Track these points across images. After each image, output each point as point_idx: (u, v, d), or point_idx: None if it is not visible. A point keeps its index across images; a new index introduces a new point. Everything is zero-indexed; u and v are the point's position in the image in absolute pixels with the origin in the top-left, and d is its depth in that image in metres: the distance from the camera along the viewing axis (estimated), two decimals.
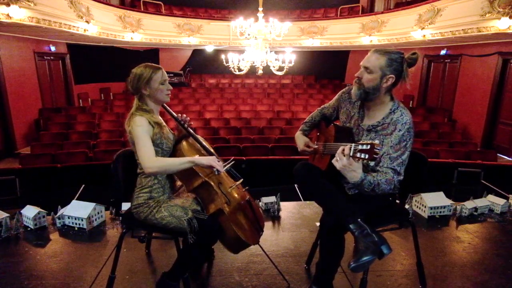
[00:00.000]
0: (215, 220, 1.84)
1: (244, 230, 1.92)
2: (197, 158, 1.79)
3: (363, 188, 1.63)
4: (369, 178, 1.61)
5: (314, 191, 1.85)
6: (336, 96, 2.08)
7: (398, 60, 1.70)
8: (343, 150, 1.54)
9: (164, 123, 1.96)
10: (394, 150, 1.71)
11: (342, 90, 2.05)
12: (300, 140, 2.16)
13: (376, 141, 1.47)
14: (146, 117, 1.82)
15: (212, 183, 1.87)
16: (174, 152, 1.94)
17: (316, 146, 2.09)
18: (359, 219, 1.67)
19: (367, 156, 1.46)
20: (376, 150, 1.44)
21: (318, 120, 2.22)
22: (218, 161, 1.81)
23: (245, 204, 2.03)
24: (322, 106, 2.22)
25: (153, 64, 1.90)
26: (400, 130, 1.72)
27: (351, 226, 1.66)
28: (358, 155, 1.48)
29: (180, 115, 2.04)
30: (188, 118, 2.08)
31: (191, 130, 2.02)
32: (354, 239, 1.68)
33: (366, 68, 1.74)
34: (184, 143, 1.95)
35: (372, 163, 1.50)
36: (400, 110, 1.76)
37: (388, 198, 1.96)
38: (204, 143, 2.04)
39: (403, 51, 1.75)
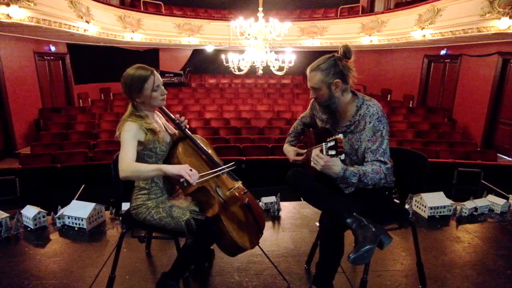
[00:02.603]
0: (213, 222, 1.82)
1: (241, 235, 1.90)
2: (165, 167, 1.71)
3: (351, 181, 1.66)
4: (351, 169, 1.66)
5: (308, 195, 1.89)
6: (310, 105, 2.15)
7: (332, 63, 1.77)
8: (317, 152, 1.60)
9: (160, 127, 1.92)
10: (372, 143, 1.76)
11: (312, 100, 2.09)
12: (289, 151, 2.18)
13: (340, 136, 1.54)
14: (138, 123, 1.78)
15: (209, 188, 1.85)
16: (170, 155, 1.90)
17: (304, 153, 2.10)
18: (354, 213, 1.69)
19: (334, 152, 1.52)
20: (340, 144, 1.51)
21: (301, 128, 2.27)
22: (191, 170, 1.69)
23: (243, 208, 2.00)
24: (301, 115, 2.27)
25: (144, 69, 1.81)
26: (370, 122, 1.78)
27: (348, 220, 1.68)
28: (329, 152, 1.54)
29: (178, 115, 2.02)
30: (186, 120, 2.05)
31: (188, 132, 1.98)
32: (353, 233, 1.69)
33: (312, 88, 1.84)
34: (180, 147, 1.90)
35: (342, 157, 1.58)
36: (366, 104, 1.82)
37: (384, 192, 1.96)
38: (202, 144, 2.01)
39: (333, 53, 1.81)
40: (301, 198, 3.18)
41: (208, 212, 1.86)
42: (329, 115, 1.94)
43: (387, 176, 1.75)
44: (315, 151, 1.61)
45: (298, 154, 2.12)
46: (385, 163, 1.75)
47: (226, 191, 1.95)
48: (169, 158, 1.90)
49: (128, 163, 1.70)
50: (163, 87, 1.87)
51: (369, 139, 1.77)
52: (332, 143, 1.53)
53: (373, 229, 1.64)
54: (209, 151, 2.04)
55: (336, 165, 1.61)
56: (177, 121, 1.99)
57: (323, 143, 1.58)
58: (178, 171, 1.68)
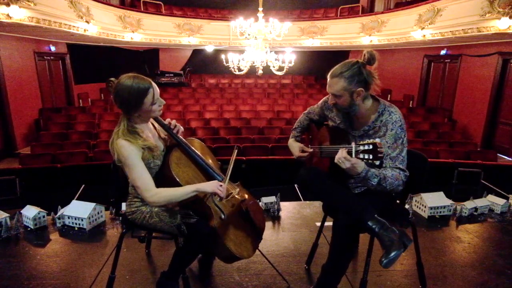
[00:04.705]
0: (204, 224, 1.78)
1: (239, 245, 1.85)
2: (201, 186, 1.72)
3: (371, 182, 1.63)
4: (373, 170, 1.63)
5: (324, 193, 1.86)
6: (320, 104, 2.11)
7: (356, 71, 1.71)
8: (345, 154, 1.53)
9: (154, 135, 1.85)
10: (392, 150, 1.73)
11: (324, 100, 2.06)
12: (294, 147, 2.14)
13: (377, 140, 1.47)
14: (135, 143, 1.68)
15: (205, 199, 1.81)
16: (163, 165, 1.81)
17: (311, 150, 2.08)
18: (375, 215, 1.68)
19: (371, 157, 1.45)
20: (380, 149, 1.43)
21: (307, 124, 2.24)
22: (221, 185, 1.73)
23: (241, 216, 1.95)
24: (307, 110, 2.23)
25: (142, 80, 1.68)
26: (392, 129, 1.75)
27: (369, 223, 1.66)
28: (361, 156, 1.47)
29: (169, 120, 1.91)
30: (181, 128, 1.94)
31: (181, 139, 1.90)
32: (375, 236, 1.68)
33: (333, 94, 1.78)
34: (173, 156, 1.81)
35: (377, 163, 1.51)
36: (388, 110, 1.79)
37: (392, 194, 1.96)
38: (198, 150, 1.94)
39: (356, 60, 1.74)
40: (299, 192, 3.18)
41: None
42: (346, 119, 1.91)
43: (403, 182, 1.73)
44: (343, 153, 1.54)
45: (303, 151, 2.09)
46: (404, 171, 1.73)
47: (223, 199, 1.89)
48: (161, 167, 1.82)
49: (155, 193, 1.67)
50: (160, 98, 1.78)
51: (390, 146, 1.73)
52: (368, 147, 1.45)
53: (397, 232, 1.64)
54: (206, 157, 1.98)
55: (360, 166, 1.57)
56: (170, 129, 1.90)
57: (353, 145, 1.51)
58: (213, 189, 1.71)
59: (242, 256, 1.84)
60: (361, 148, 1.48)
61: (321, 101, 2.10)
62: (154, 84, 1.74)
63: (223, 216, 1.83)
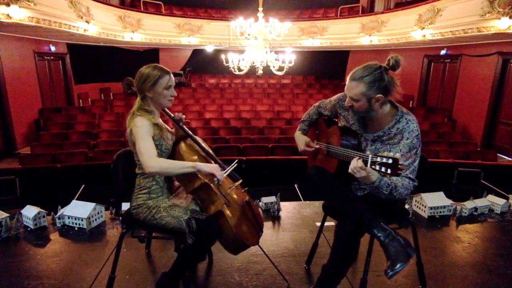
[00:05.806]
0: (214, 221, 1.83)
1: (244, 231, 1.91)
2: (199, 165, 1.77)
3: (381, 191, 1.62)
4: (385, 180, 1.61)
5: (331, 194, 1.85)
6: (333, 101, 2.06)
7: (378, 77, 1.66)
8: (360, 164, 1.51)
9: (164, 125, 1.95)
10: (405, 159, 1.71)
11: (339, 97, 2.02)
12: (301, 140, 2.13)
13: (397, 155, 1.42)
14: (146, 118, 1.81)
15: (212, 185, 1.86)
16: (173, 153, 1.92)
17: (317, 146, 2.07)
18: (381, 223, 1.66)
19: (389, 171, 1.41)
20: (400, 166, 1.39)
21: (315, 118, 2.21)
22: (220, 170, 1.80)
23: (244, 205, 2.01)
24: (318, 104, 2.19)
25: (162, 67, 1.88)
26: (408, 138, 1.72)
27: (375, 230, 1.65)
28: (377, 168, 1.44)
29: (176, 114, 2.02)
30: (184, 116, 2.06)
31: (188, 131, 2.00)
32: (381, 244, 1.67)
33: (350, 98, 1.74)
34: (182, 144, 1.93)
35: (394, 178, 1.47)
36: (406, 118, 1.76)
37: (395, 201, 1.95)
38: (203, 144, 2.03)
39: (379, 64, 1.70)
40: (299, 192, 3.17)
41: (210, 208, 1.86)
42: (360, 121, 1.88)
43: (411, 191, 1.73)
44: (358, 163, 1.52)
45: (309, 145, 2.07)
46: (414, 180, 1.72)
47: (227, 189, 1.96)
48: (172, 155, 1.92)
49: (155, 159, 1.73)
50: (174, 90, 1.91)
51: (403, 154, 1.70)
52: (387, 160, 1.40)
53: (402, 242, 1.64)
54: (210, 151, 2.04)
55: (374, 175, 1.55)
56: (178, 121, 1.99)
57: (369, 155, 1.47)
58: (211, 170, 1.77)
59: (247, 242, 1.89)
60: (379, 160, 1.43)
61: (335, 97, 2.06)
62: (172, 75, 1.90)
63: (228, 203, 1.88)
